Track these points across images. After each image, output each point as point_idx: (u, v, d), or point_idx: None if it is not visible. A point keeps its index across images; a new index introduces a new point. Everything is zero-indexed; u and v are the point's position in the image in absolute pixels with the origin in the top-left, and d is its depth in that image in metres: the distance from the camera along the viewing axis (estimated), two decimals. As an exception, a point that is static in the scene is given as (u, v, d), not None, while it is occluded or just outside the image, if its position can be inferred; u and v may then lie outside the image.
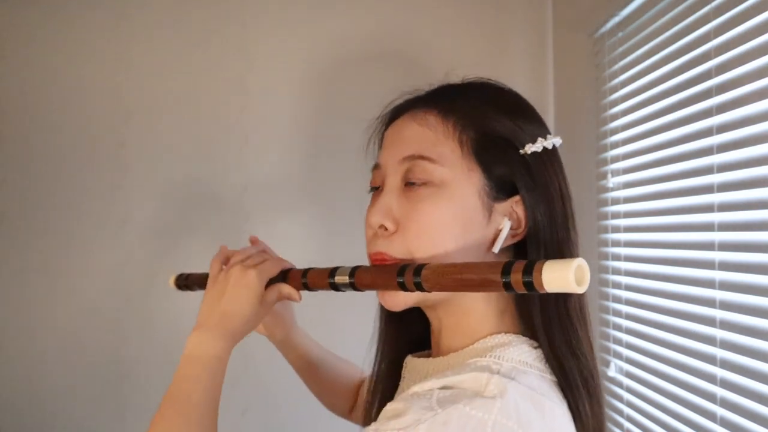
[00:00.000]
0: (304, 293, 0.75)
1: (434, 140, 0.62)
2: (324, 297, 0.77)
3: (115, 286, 1.44)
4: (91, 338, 1.43)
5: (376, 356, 0.76)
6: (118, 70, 1.45)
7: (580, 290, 0.48)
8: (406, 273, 0.59)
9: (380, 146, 0.70)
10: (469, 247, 0.61)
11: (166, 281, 1.44)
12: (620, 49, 1.22)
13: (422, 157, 0.61)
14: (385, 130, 0.70)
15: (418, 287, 0.58)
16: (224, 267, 0.75)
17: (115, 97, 1.45)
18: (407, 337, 0.74)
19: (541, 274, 0.49)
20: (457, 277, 0.56)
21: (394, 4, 1.52)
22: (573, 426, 0.58)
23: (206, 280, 0.87)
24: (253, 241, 0.86)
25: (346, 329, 1.29)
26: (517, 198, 0.62)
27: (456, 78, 0.70)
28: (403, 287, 0.60)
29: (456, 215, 0.60)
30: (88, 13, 1.45)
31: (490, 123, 0.62)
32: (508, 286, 0.52)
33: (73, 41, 1.45)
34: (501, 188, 0.62)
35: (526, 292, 0.51)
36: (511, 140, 0.62)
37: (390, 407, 0.53)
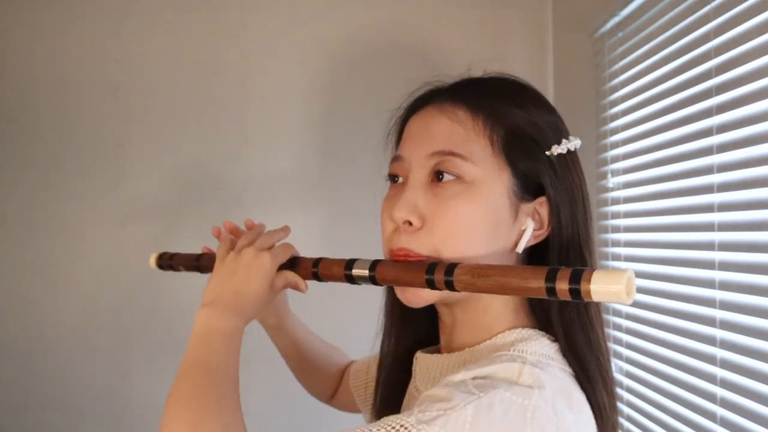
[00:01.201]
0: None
1: (465, 137, 0.61)
2: (324, 286, 0.77)
3: (115, 286, 1.44)
4: (91, 337, 1.43)
5: (383, 349, 0.76)
6: (119, 70, 1.45)
7: (628, 302, 0.48)
8: (436, 271, 0.58)
9: (399, 137, 0.69)
10: (496, 246, 0.60)
11: (166, 281, 1.44)
12: (620, 49, 1.22)
13: (453, 154, 0.60)
14: (406, 120, 0.68)
15: (449, 286, 0.57)
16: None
17: (115, 97, 1.45)
18: (414, 331, 0.74)
19: (589, 283, 0.49)
20: (497, 280, 0.55)
21: (394, 4, 1.52)
22: (593, 418, 0.59)
23: (194, 262, 0.85)
24: (249, 226, 0.83)
25: (346, 318, 1.29)
26: (542, 199, 0.62)
27: (476, 72, 0.69)
28: (431, 285, 0.58)
29: (486, 214, 0.60)
30: (88, 13, 1.45)
31: (518, 122, 0.62)
32: (551, 293, 0.51)
33: (73, 41, 1.45)
34: (527, 189, 0.61)
35: (570, 299, 0.51)
36: (538, 141, 0.62)
37: (428, 394, 0.53)
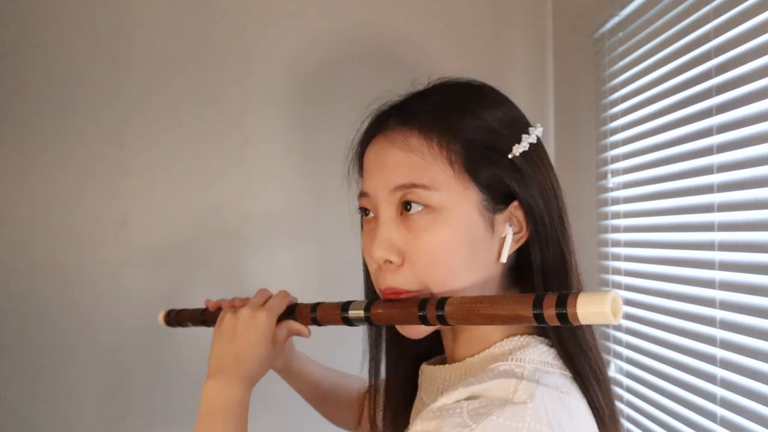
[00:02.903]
0: None
1: (423, 165, 0.59)
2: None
3: (114, 285, 1.44)
4: (91, 338, 1.43)
5: (388, 368, 0.75)
6: (118, 70, 1.45)
7: (615, 321, 0.48)
8: (427, 308, 0.58)
9: (361, 171, 0.67)
10: (479, 264, 0.60)
11: (164, 281, 1.43)
12: (620, 49, 1.22)
13: (415, 185, 0.59)
14: (363, 153, 0.66)
15: (441, 321, 0.57)
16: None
17: (115, 96, 1.45)
18: (417, 347, 0.73)
19: (575, 308, 0.49)
20: (486, 313, 0.55)
21: (393, 5, 1.52)
22: (594, 420, 0.59)
23: (200, 316, 0.86)
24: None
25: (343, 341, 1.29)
26: (515, 203, 0.61)
27: (421, 83, 0.66)
28: (425, 321, 0.58)
29: (461, 237, 0.59)
30: (87, 12, 1.45)
31: (473, 133, 0.60)
32: (540, 319, 0.52)
33: (72, 41, 1.45)
34: (498, 198, 0.61)
35: (559, 324, 0.51)
36: (498, 146, 0.60)
37: (421, 427, 0.52)
